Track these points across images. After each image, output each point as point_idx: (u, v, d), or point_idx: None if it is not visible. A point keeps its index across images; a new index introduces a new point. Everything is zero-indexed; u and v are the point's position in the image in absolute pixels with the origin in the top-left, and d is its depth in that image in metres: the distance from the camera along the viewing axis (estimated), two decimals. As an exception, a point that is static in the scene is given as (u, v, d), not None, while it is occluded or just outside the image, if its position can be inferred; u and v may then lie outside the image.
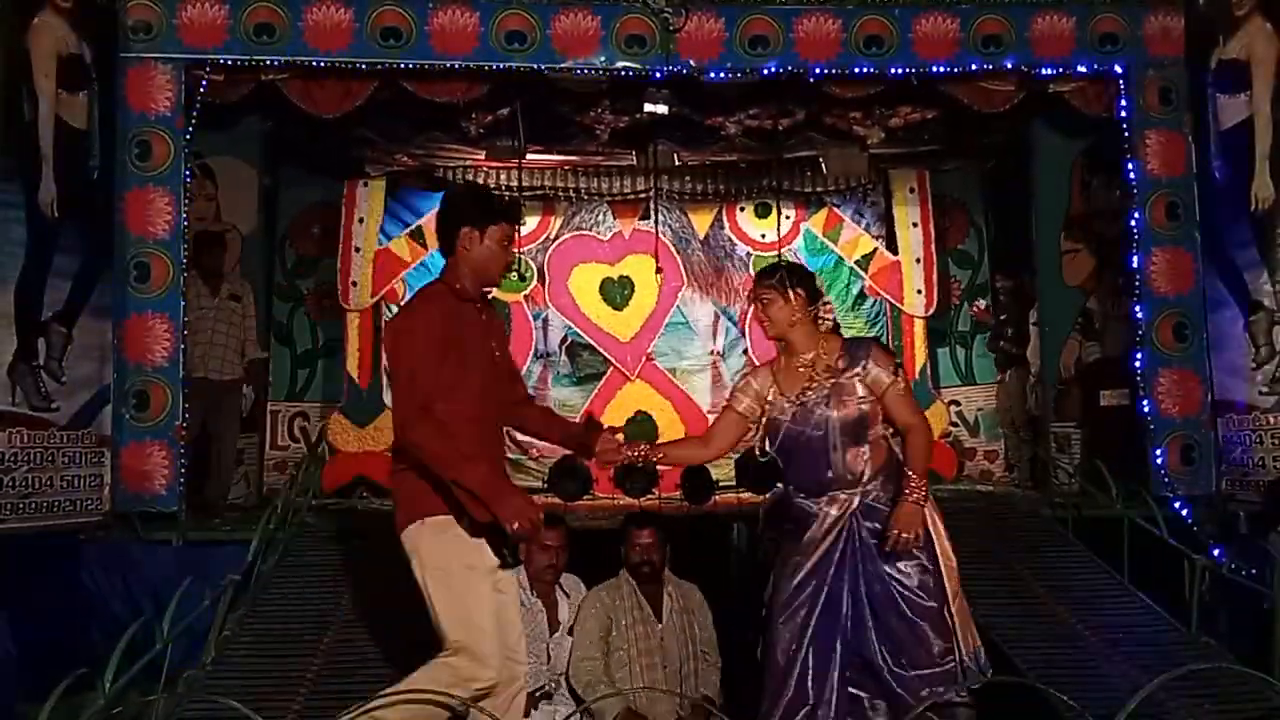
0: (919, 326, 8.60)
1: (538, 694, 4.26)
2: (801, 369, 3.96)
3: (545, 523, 4.43)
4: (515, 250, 3.78)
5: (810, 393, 3.91)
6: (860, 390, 3.87)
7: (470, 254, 3.60)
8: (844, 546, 3.84)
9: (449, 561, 3.47)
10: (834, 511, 3.87)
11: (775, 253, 8.14)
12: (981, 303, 8.80)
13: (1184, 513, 6.35)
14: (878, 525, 3.82)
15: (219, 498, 7.05)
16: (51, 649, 5.38)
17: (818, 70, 6.82)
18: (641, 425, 8.36)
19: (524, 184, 8.25)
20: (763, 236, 8.82)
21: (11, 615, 5.30)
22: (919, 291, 8.59)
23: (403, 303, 3.48)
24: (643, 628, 4.52)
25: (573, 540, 4.91)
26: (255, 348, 7.49)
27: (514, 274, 8.38)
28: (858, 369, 3.89)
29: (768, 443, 3.98)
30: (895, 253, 8.66)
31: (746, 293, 4.08)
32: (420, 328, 3.53)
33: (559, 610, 4.50)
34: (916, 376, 8.53)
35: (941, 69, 6.84)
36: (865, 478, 3.89)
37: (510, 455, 8.28)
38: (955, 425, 8.71)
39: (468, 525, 3.47)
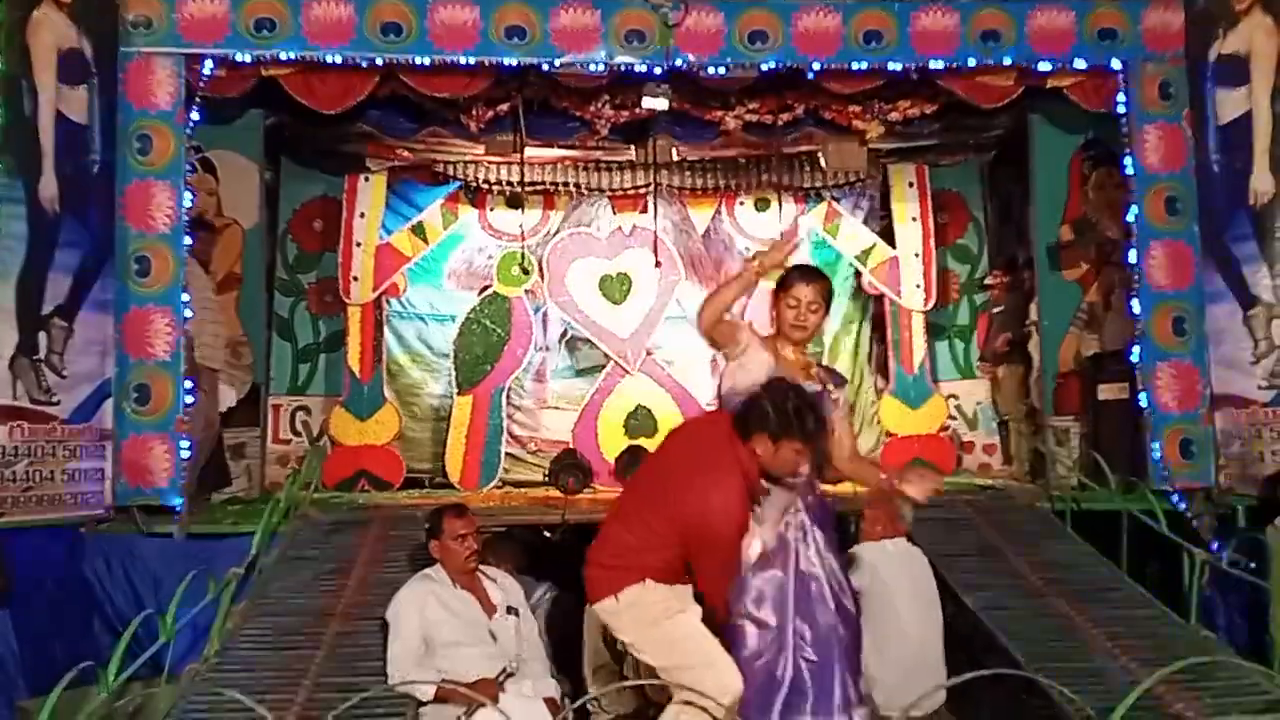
0: (918, 321, 8.61)
1: (502, 676, 4.29)
2: (796, 366, 4.09)
3: (452, 513, 4.58)
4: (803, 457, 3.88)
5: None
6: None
7: (762, 457, 3.77)
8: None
9: (654, 619, 3.78)
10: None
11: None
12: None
13: (1182, 506, 6.39)
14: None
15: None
16: (54, 643, 5.40)
17: (817, 65, 6.84)
18: (641, 419, 8.42)
19: (524, 179, 8.26)
20: (762, 230, 8.82)
21: (14, 609, 5.30)
22: (918, 286, 8.59)
23: (706, 488, 3.70)
24: None
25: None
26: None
27: (516, 268, 8.42)
28: (841, 392, 4.18)
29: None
30: (894, 247, 8.66)
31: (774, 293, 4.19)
32: (736, 515, 3.77)
33: (490, 594, 4.50)
34: (916, 371, 8.56)
35: (940, 63, 6.84)
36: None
37: (509, 450, 8.43)
38: (954, 419, 8.71)
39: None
